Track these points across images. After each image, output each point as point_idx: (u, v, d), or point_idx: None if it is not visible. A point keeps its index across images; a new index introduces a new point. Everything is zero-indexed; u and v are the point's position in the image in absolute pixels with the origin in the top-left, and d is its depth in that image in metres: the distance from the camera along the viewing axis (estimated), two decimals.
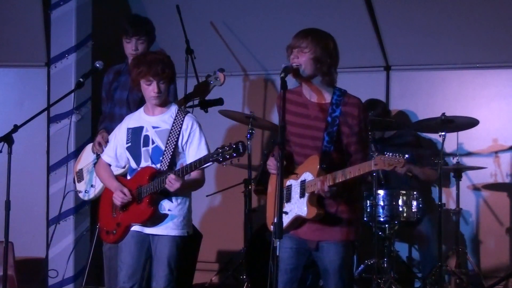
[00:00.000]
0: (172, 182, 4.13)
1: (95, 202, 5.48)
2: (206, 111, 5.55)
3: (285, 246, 3.94)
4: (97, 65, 5.11)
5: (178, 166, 4.26)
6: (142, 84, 4.32)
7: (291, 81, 3.96)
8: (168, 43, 6.78)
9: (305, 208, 3.92)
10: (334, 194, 3.87)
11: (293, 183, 4.01)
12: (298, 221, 3.99)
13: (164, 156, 4.29)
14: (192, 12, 6.77)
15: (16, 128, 4.59)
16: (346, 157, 3.98)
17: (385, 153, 3.70)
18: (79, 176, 5.37)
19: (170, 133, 4.31)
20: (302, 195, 3.95)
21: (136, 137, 4.38)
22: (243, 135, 6.21)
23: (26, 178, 6.80)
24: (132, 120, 4.47)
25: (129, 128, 4.43)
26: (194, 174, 4.25)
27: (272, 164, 4.03)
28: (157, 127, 4.35)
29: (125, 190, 4.33)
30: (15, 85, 7.18)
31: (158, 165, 4.29)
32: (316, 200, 3.92)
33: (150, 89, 4.30)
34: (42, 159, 6.94)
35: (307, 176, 3.95)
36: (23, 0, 6.84)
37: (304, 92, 4.04)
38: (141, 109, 4.48)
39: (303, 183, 3.96)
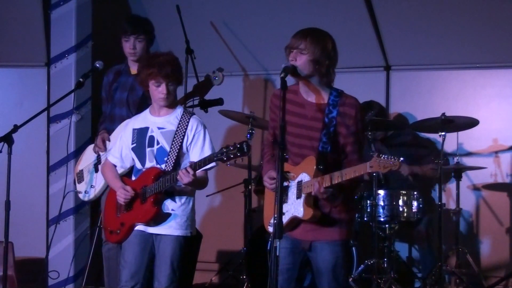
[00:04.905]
0: (185, 175, 4.11)
1: (95, 202, 5.50)
2: (206, 111, 5.55)
3: (281, 246, 3.92)
4: (97, 65, 5.12)
5: (182, 167, 4.25)
6: (151, 85, 4.32)
7: (290, 81, 3.94)
8: (168, 43, 6.76)
9: (302, 209, 3.91)
10: (330, 196, 3.86)
11: (290, 184, 3.99)
12: (294, 222, 3.97)
13: (169, 157, 4.30)
14: (192, 12, 6.77)
15: (16, 128, 4.60)
16: (343, 157, 3.97)
17: (381, 155, 3.68)
18: (80, 177, 5.37)
19: (175, 134, 4.32)
20: (298, 196, 3.93)
21: (141, 138, 4.39)
22: (243, 135, 6.21)
23: (26, 178, 6.80)
24: (138, 120, 4.48)
25: (135, 129, 4.44)
26: (199, 174, 4.24)
27: (268, 182, 3.99)
28: (163, 128, 4.36)
29: (127, 187, 4.34)
30: (15, 85, 7.18)
31: (163, 166, 4.30)
32: (312, 201, 3.91)
33: (159, 90, 4.31)
34: (42, 159, 6.94)
35: (304, 176, 3.93)
36: (23, 0, 6.84)
37: (301, 91, 4.01)
38: (147, 110, 4.48)
39: (299, 183, 3.94)
